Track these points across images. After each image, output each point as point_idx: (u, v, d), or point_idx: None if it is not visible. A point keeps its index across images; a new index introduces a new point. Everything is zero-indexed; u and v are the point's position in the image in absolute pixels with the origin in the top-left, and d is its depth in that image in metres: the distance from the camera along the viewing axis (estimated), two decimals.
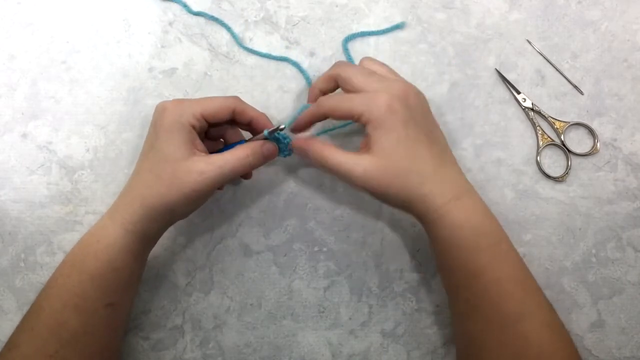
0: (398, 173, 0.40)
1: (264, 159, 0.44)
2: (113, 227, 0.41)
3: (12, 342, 0.41)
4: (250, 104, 0.45)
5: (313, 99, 0.46)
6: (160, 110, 0.42)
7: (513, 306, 0.39)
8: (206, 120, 0.43)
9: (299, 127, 0.45)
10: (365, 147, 0.42)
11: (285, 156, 0.47)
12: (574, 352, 0.40)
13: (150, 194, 0.41)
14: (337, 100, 0.42)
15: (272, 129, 0.43)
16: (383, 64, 0.45)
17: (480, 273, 0.40)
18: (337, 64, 0.45)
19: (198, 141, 0.43)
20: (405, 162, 0.40)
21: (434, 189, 0.40)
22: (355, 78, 0.42)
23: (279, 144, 0.46)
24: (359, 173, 0.40)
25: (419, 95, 0.43)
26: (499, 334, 0.39)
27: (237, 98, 0.44)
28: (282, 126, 0.42)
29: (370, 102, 0.40)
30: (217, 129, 0.47)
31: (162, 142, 0.41)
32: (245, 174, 0.48)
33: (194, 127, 0.42)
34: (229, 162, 0.41)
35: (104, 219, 0.43)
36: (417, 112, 0.41)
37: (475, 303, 0.40)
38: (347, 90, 0.43)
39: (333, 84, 0.45)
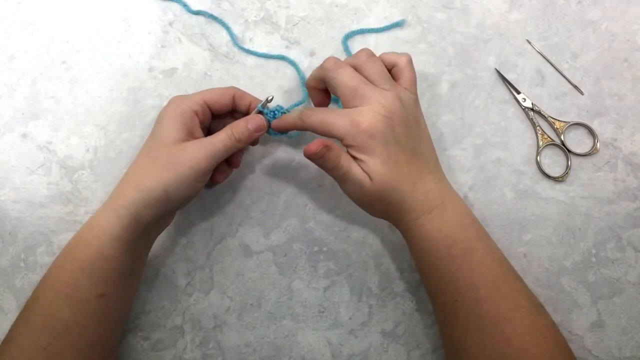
0: (383, 193, 0.41)
1: (251, 132, 0.44)
2: (105, 213, 0.41)
3: (9, 335, 0.41)
4: (240, 89, 0.47)
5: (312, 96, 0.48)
6: (168, 102, 0.45)
7: (488, 310, 0.40)
8: (210, 108, 0.45)
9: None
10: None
11: (284, 134, 0.48)
12: (563, 353, 0.40)
13: (147, 177, 0.41)
14: (320, 120, 0.42)
15: (262, 102, 0.46)
16: (377, 62, 0.44)
17: (453, 279, 0.41)
18: (327, 62, 0.43)
19: (198, 129, 0.44)
20: (388, 182, 0.41)
21: (410, 205, 0.42)
22: (342, 88, 0.42)
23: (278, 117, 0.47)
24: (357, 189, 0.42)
25: (406, 105, 0.42)
26: (479, 337, 0.40)
27: (235, 87, 0.47)
28: (270, 97, 0.46)
29: (352, 127, 0.40)
30: (219, 124, 0.48)
31: (162, 127, 0.43)
32: (236, 159, 0.48)
33: (196, 113, 0.44)
34: (218, 138, 0.43)
35: (99, 208, 0.43)
36: (399, 129, 0.41)
37: (453, 307, 0.42)
38: (334, 93, 0.44)
39: (323, 83, 0.45)
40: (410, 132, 0.42)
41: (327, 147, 0.40)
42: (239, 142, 0.44)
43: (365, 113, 0.41)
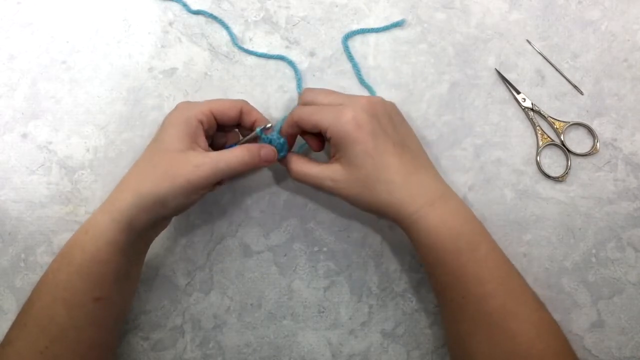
0: (366, 183, 0.42)
1: (261, 161, 0.44)
2: (101, 217, 0.41)
3: (6, 339, 0.41)
4: (250, 104, 0.47)
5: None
6: (174, 107, 0.45)
7: (496, 305, 0.40)
8: (216, 119, 0.45)
9: (284, 133, 0.47)
10: (334, 159, 0.44)
11: (279, 159, 0.47)
12: (566, 350, 0.41)
13: (144, 182, 0.41)
14: (306, 112, 0.44)
15: (262, 127, 0.45)
16: (323, 89, 0.47)
17: (462, 273, 0.41)
18: (303, 92, 0.46)
19: (202, 138, 0.44)
20: (372, 172, 0.41)
21: (404, 197, 0.42)
22: (319, 97, 0.44)
23: (273, 145, 0.46)
24: (329, 184, 0.43)
25: (386, 104, 0.45)
26: (488, 333, 0.40)
27: (245, 100, 0.47)
28: (269, 125, 0.45)
29: (337, 116, 0.41)
30: (222, 135, 0.48)
31: (165, 134, 0.43)
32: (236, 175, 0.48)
33: (201, 122, 0.43)
34: (224, 157, 0.42)
35: (95, 211, 0.42)
36: (385, 121, 0.43)
37: (460, 302, 0.41)
38: (315, 128, 0.44)
39: (312, 128, 0.45)
40: (396, 126, 0.44)
41: (287, 159, 0.45)
42: (245, 165, 0.43)
43: (349, 107, 0.42)
